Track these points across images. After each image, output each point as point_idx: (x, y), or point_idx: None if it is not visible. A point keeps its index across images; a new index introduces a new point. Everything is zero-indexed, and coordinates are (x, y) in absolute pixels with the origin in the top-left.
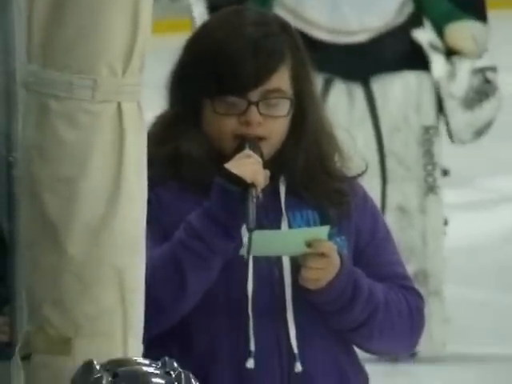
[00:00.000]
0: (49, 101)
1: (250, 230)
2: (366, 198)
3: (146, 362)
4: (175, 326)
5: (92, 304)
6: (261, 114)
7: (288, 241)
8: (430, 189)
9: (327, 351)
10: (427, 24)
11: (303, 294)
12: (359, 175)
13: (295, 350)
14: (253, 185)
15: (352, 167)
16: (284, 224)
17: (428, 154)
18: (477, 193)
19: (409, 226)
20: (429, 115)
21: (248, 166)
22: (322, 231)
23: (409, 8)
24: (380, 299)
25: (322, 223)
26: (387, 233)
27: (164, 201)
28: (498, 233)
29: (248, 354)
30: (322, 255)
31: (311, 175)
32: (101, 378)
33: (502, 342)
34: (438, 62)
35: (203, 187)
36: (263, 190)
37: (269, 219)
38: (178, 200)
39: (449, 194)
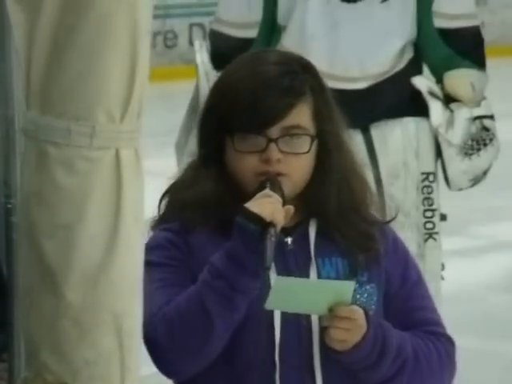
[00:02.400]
0: (47, 147)
1: (265, 269)
2: (396, 242)
3: None
4: (200, 372)
5: (90, 349)
6: (281, 151)
7: (310, 297)
8: (429, 235)
9: None
10: (426, 70)
11: (330, 354)
12: (390, 221)
13: None
14: (272, 223)
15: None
16: (313, 270)
17: (427, 201)
18: (469, 240)
19: None
20: (428, 161)
21: (267, 205)
22: (347, 288)
23: (409, 54)
24: (409, 353)
25: (351, 271)
26: (419, 278)
27: (194, 248)
28: (486, 280)
29: None
30: (346, 317)
31: (343, 216)
32: None
33: None
34: (436, 109)
35: (230, 229)
36: (293, 235)
37: (298, 265)
38: (208, 245)
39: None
